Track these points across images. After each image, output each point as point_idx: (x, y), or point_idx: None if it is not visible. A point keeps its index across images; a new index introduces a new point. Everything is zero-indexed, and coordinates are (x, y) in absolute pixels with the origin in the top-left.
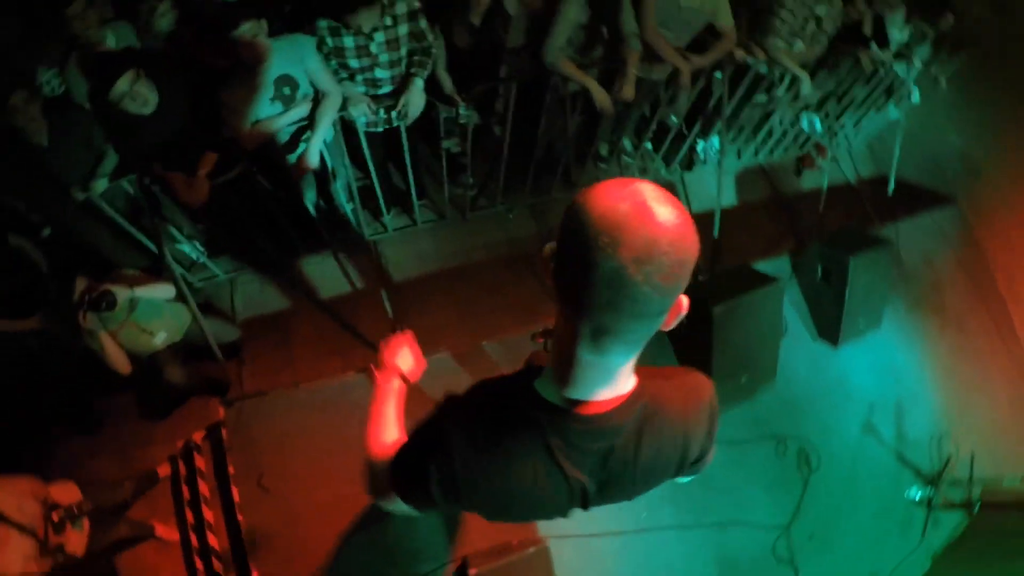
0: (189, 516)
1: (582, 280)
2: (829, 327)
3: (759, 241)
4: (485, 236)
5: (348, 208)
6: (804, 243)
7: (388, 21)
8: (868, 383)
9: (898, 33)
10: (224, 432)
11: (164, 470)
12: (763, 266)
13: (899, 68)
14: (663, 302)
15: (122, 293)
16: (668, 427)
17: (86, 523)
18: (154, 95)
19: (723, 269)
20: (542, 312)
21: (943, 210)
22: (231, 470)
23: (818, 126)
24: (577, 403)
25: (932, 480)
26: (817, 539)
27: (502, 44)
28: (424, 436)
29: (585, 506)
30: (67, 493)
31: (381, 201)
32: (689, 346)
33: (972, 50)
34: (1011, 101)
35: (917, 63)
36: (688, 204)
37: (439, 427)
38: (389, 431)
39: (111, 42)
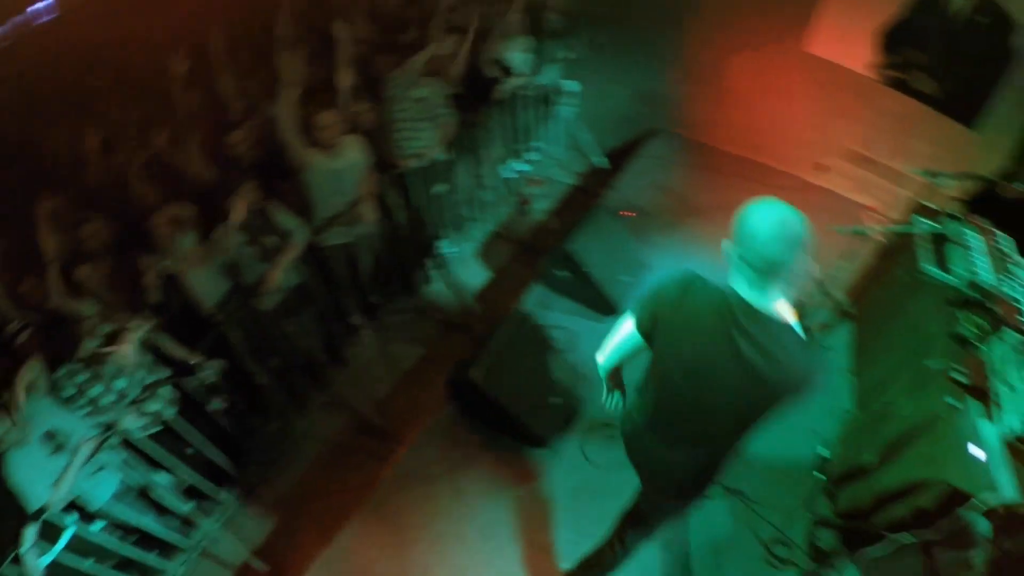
0: None
1: (753, 255)
2: (601, 304)
3: (514, 289)
4: None
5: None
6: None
7: None
8: None
9: (517, 56)
10: None
11: None
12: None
13: (542, 79)
14: (796, 258)
15: None
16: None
17: None
18: None
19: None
20: None
21: (648, 142)
22: None
23: (517, 167)
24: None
25: None
26: None
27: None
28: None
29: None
30: None
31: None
32: (496, 418)
33: (589, 17)
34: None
35: (553, 64)
36: None
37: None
38: None
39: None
